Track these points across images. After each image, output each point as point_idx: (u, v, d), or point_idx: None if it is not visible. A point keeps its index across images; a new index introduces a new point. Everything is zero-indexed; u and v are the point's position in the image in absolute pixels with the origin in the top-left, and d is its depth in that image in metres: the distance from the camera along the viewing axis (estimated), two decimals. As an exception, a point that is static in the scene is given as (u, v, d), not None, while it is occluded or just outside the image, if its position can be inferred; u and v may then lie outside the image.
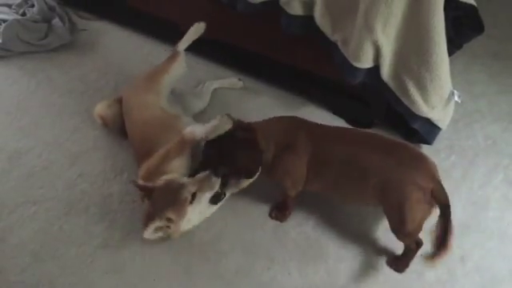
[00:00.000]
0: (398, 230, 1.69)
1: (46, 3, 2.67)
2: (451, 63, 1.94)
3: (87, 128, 2.22)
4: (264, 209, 1.95)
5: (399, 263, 1.77)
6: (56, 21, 2.61)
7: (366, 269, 1.78)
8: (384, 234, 1.85)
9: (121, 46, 2.61)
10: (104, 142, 2.17)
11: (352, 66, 1.97)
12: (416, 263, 1.78)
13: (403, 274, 1.76)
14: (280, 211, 1.92)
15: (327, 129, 1.83)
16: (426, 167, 1.67)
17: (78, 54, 2.59)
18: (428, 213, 1.64)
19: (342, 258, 1.81)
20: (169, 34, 2.15)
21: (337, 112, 2.32)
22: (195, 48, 2.21)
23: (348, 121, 2.27)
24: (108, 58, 2.54)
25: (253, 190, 1.98)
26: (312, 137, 1.76)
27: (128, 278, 1.75)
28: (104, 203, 1.95)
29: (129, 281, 1.74)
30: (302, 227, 1.89)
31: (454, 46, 1.96)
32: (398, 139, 1.78)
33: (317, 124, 1.84)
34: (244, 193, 1.98)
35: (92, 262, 1.78)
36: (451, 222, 1.58)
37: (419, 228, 1.67)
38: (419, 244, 1.72)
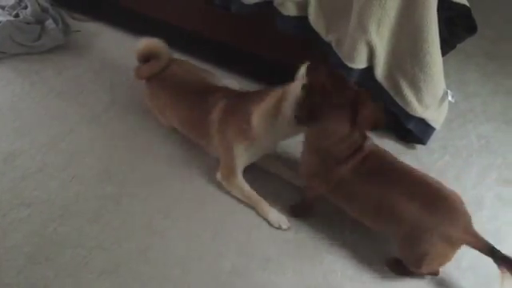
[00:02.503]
0: (412, 268, 1.69)
1: (39, 5, 2.66)
2: (445, 63, 1.96)
3: (82, 129, 2.21)
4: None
5: (400, 268, 1.75)
6: (49, 22, 2.60)
7: (362, 269, 1.79)
8: (381, 234, 1.85)
9: (115, 47, 2.60)
10: (98, 143, 2.16)
11: (346, 66, 1.98)
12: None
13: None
14: (299, 207, 1.92)
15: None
16: (459, 218, 1.58)
17: (71, 55, 2.59)
18: (449, 259, 1.63)
19: (338, 258, 1.81)
20: (162, 34, 2.14)
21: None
22: (190, 48, 2.21)
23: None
24: (102, 59, 2.54)
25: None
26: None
27: (123, 279, 1.74)
28: (99, 205, 1.94)
29: (124, 282, 1.74)
30: (297, 228, 1.89)
31: (447, 46, 1.97)
32: (437, 182, 1.65)
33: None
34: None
35: (87, 264, 1.77)
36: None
37: (435, 270, 1.71)
38: (435, 274, 1.74)
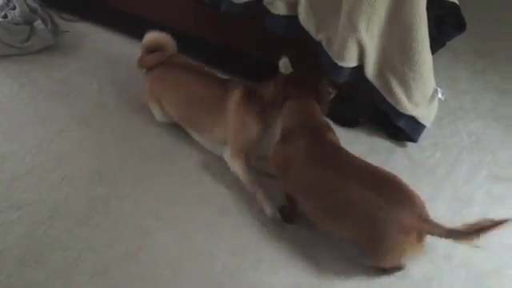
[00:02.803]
0: (374, 263, 1.72)
1: (27, 5, 2.64)
2: (435, 61, 1.96)
3: (71, 130, 2.20)
4: (252, 209, 1.95)
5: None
6: (38, 23, 2.58)
7: (353, 268, 1.79)
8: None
9: (104, 48, 2.59)
10: (88, 144, 2.15)
11: (337, 65, 1.98)
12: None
13: (390, 272, 1.77)
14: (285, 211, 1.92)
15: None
16: (413, 206, 1.57)
17: (61, 55, 2.57)
18: (410, 251, 1.62)
19: (330, 257, 1.81)
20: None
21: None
22: (180, 48, 2.20)
23: (335, 120, 2.27)
24: (91, 59, 2.52)
25: (241, 189, 1.99)
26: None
27: (114, 281, 1.73)
28: (89, 206, 1.93)
29: (115, 284, 1.73)
30: (289, 227, 1.89)
31: (436, 44, 1.97)
32: (388, 172, 1.67)
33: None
34: (232, 193, 1.99)
35: (77, 266, 1.76)
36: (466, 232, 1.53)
37: (397, 263, 1.70)
38: (400, 269, 1.74)
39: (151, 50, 2.16)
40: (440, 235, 1.55)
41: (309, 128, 1.79)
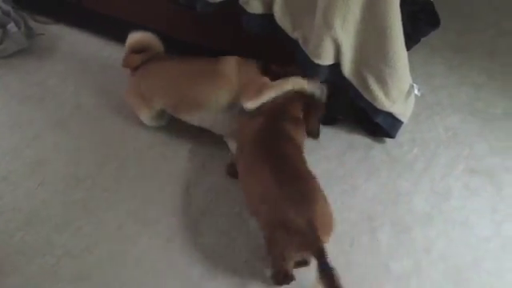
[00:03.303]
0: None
1: (0, 8, 2.59)
2: (411, 57, 1.97)
3: (47, 135, 2.16)
4: (238, 213, 1.94)
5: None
6: (11, 26, 2.51)
7: (332, 262, 1.79)
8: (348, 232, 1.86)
9: (80, 50, 2.55)
10: (65, 148, 2.12)
11: (313, 63, 1.98)
12: (382, 256, 1.82)
13: (369, 267, 1.78)
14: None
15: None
16: (309, 212, 1.51)
17: (35, 59, 2.52)
18: (289, 258, 1.59)
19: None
20: (127, 34, 2.11)
21: (301, 109, 2.32)
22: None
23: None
24: (67, 62, 2.48)
25: (224, 190, 1.98)
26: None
27: (95, 287, 1.72)
28: (67, 211, 1.91)
29: (95, 289, 1.71)
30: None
31: (411, 40, 1.99)
32: (314, 182, 1.64)
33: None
34: (214, 194, 1.98)
35: (56, 273, 1.73)
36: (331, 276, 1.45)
37: (281, 263, 1.63)
38: (278, 274, 1.67)
39: (136, 50, 2.11)
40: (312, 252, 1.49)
41: (276, 112, 1.84)
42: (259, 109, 1.87)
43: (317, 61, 1.97)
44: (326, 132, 2.19)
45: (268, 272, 1.72)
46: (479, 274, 1.78)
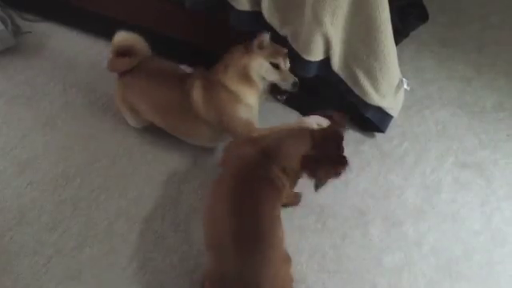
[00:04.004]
0: None
1: (-14, 6, 2.56)
2: (400, 51, 1.98)
3: (36, 134, 2.14)
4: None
5: None
6: (-2, 24, 2.50)
7: (324, 257, 1.80)
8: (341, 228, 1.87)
9: (68, 47, 2.52)
10: (54, 147, 2.09)
11: (303, 59, 1.97)
12: (373, 250, 1.82)
13: (361, 260, 1.78)
14: None
15: None
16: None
17: (23, 57, 2.49)
18: None
19: (302, 250, 1.82)
20: (115, 32, 2.08)
21: (292, 105, 2.32)
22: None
23: (303, 113, 2.27)
24: (55, 60, 2.46)
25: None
26: None
27: (85, 285, 1.70)
28: (56, 211, 1.89)
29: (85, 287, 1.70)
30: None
31: (400, 34, 2.00)
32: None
33: None
34: (202, 191, 1.97)
35: (46, 272, 1.72)
36: None
37: None
38: None
39: (122, 51, 2.00)
40: None
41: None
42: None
43: (307, 57, 1.96)
44: (316, 127, 2.19)
45: None
46: (470, 267, 1.79)
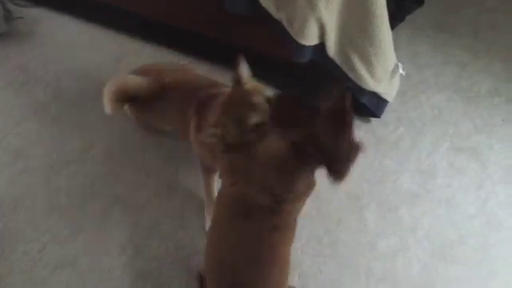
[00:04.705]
0: None
1: (-24, -9, 2.51)
2: (396, 36, 1.96)
3: (29, 121, 2.12)
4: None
5: None
6: (-11, 10, 2.46)
7: (319, 242, 1.80)
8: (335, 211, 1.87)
9: (60, 33, 2.49)
10: (48, 134, 2.08)
11: (298, 44, 1.96)
12: (369, 234, 1.83)
13: (356, 245, 1.79)
14: None
15: None
16: None
17: (14, 43, 2.46)
18: None
19: (297, 235, 1.82)
20: (110, 18, 2.06)
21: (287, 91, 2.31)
22: (143, 33, 2.14)
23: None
24: (47, 45, 2.43)
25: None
26: None
27: (80, 272, 1.70)
28: (51, 198, 1.88)
29: (81, 274, 1.70)
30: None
31: (396, 19, 1.97)
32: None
33: None
34: (198, 179, 1.97)
35: (41, 259, 1.72)
36: None
37: None
38: None
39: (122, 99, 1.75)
40: None
41: None
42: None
43: (302, 41, 1.94)
44: (311, 113, 2.18)
45: None
46: (465, 251, 1.80)
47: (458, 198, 1.95)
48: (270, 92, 1.44)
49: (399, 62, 2.06)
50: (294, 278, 1.71)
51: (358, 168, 2.03)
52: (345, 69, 2.02)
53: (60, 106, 2.18)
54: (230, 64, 1.89)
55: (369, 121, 2.20)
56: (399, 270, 1.74)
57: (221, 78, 1.89)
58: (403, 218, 1.88)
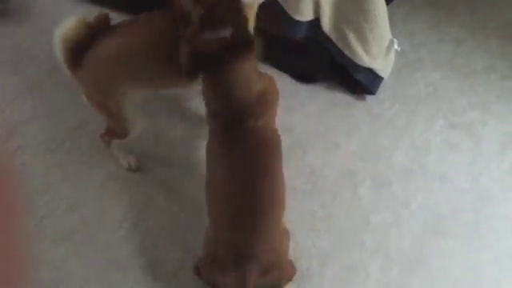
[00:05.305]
0: None
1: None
2: (392, 14, 1.96)
3: (24, 98, 2.11)
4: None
5: None
6: (-17, -12, 2.43)
7: (314, 217, 1.82)
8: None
9: (53, 10, 2.46)
10: (42, 112, 2.07)
11: (293, 19, 1.95)
12: (362, 209, 1.85)
13: (350, 220, 1.81)
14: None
15: None
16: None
17: (7, 22, 2.44)
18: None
19: (292, 209, 1.83)
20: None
21: (282, 68, 2.30)
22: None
23: (293, 76, 2.26)
24: (41, 23, 2.40)
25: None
26: None
27: (76, 246, 1.72)
28: (47, 174, 1.89)
29: (78, 248, 1.72)
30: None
31: (391, -6, 1.97)
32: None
33: None
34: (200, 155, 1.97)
35: (38, 233, 1.73)
36: None
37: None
38: None
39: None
40: None
41: None
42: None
43: (296, 17, 1.94)
44: (306, 90, 2.19)
45: None
46: (457, 225, 1.82)
47: (451, 174, 1.96)
48: None
49: (394, 38, 2.06)
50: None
51: (353, 145, 2.05)
52: (340, 45, 2.02)
53: (54, 83, 2.16)
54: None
55: (364, 98, 2.20)
56: (392, 243, 1.76)
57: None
58: (397, 193, 1.90)
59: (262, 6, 2.00)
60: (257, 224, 1.40)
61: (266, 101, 1.48)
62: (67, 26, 1.58)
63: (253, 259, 1.38)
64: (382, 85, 2.18)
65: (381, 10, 1.90)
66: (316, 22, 1.97)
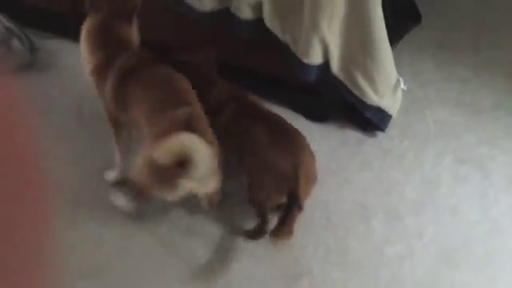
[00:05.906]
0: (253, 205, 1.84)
1: (2, 24, 2.66)
2: (398, 55, 2.07)
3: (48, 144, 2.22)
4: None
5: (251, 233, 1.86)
6: (15, 42, 2.58)
7: (329, 250, 1.87)
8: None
9: (77, 62, 2.59)
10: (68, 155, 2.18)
11: (304, 63, 2.08)
12: (376, 242, 1.89)
13: (364, 252, 1.85)
14: None
15: None
16: (294, 158, 1.78)
17: (35, 73, 2.56)
18: (273, 200, 1.81)
19: (307, 244, 1.89)
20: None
21: (295, 109, 2.40)
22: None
23: (306, 116, 2.36)
24: (66, 75, 2.52)
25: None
26: None
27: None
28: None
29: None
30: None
31: (395, 35, 2.09)
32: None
33: None
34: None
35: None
36: (294, 214, 1.74)
37: (262, 208, 1.81)
38: (264, 222, 1.80)
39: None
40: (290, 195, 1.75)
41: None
42: None
43: (307, 61, 2.07)
44: (318, 128, 2.28)
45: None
46: (469, 256, 1.85)
47: (461, 207, 2.01)
48: None
49: (401, 77, 2.17)
50: (303, 285, 1.78)
51: (365, 180, 2.11)
52: (349, 85, 2.12)
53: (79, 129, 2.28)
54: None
55: (374, 135, 2.28)
56: (406, 275, 1.80)
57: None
58: (409, 225, 1.95)
59: (275, 53, 2.14)
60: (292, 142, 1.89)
61: None
62: None
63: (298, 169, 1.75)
64: (391, 122, 2.27)
65: (386, 50, 2.02)
66: (326, 65, 2.09)
